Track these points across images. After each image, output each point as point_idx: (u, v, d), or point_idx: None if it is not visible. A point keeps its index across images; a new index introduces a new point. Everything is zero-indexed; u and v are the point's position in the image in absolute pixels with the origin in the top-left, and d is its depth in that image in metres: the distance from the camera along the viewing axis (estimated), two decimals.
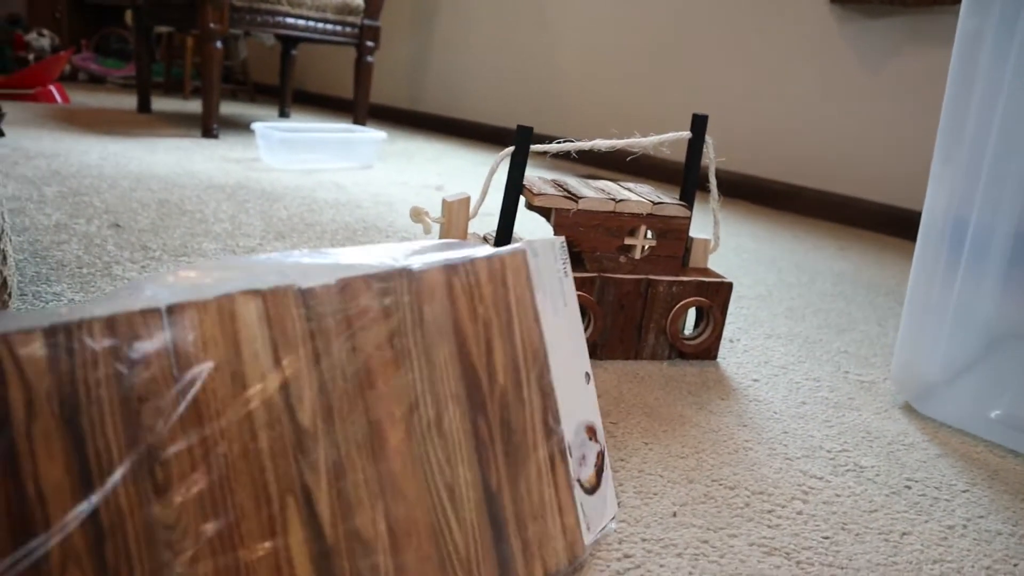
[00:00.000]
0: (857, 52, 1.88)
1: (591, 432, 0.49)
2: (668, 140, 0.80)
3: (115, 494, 0.29)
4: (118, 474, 0.29)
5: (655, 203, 0.78)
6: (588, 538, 0.47)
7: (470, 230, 0.79)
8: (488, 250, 0.43)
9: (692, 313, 0.95)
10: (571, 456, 0.47)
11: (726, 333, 0.94)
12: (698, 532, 0.52)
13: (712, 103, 2.17)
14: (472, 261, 0.42)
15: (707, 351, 0.83)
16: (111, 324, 0.30)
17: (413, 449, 0.38)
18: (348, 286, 0.37)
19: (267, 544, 0.33)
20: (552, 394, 0.45)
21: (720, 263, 1.31)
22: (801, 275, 1.30)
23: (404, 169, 1.95)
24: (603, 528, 0.48)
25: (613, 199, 0.77)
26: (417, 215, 0.74)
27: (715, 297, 0.81)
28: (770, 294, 1.15)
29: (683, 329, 0.83)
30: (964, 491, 0.63)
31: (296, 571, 0.33)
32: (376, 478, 0.37)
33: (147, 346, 0.30)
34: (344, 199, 1.47)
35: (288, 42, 2.90)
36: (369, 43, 2.45)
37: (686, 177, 0.82)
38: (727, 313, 0.82)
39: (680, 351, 0.82)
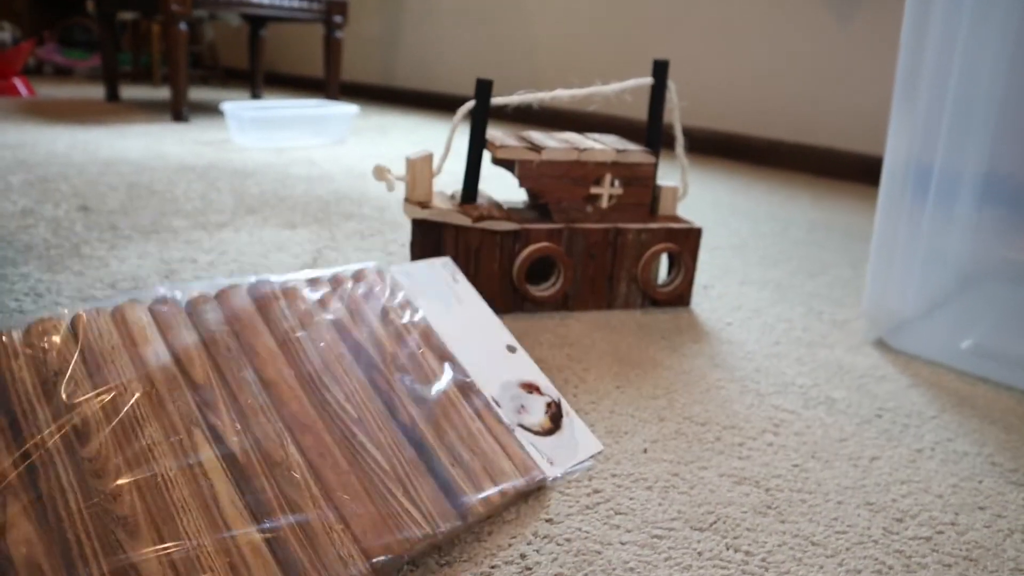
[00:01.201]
0: (824, 1, 1.87)
1: (529, 388, 0.56)
2: (630, 87, 0.79)
3: (43, 442, 0.35)
4: (45, 431, 0.36)
5: (619, 151, 0.78)
6: (554, 471, 0.48)
7: (436, 188, 0.78)
8: (351, 270, 0.56)
9: (664, 261, 0.95)
10: (499, 406, 0.53)
11: (700, 280, 0.94)
12: (668, 466, 0.52)
13: (680, 58, 2.16)
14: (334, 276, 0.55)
15: (679, 297, 0.83)
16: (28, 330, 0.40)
17: (309, 396, 0.45)
18: (224, 295, 0.48)
19: (182, 461, 0.37)
20: (455, 361, 0.54)
21: (695, 215, 1.31)
22: (775, 224, 1.30)
23: (378, 143, 1.94)
24: (580, 463, 0.50)
25: (577, 148, 0.76)
26: (380, 174, 0.73)
27: (684, 243, 0.81)
28: (744, 244, 1.15)
29: (655, 277, 0.83)
30: (933, 417, 0.63)
31: (215, 483, 0.37)
32: (278, 418, 0.42)
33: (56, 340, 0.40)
34: (317, 174, 1.46)
35: (255, 22, 2.86)
36: (337, 18, 2.43)
37: (650, 123, 0.81)
38: (698, 259, 0.82)
39: (652, 298, 0.82)
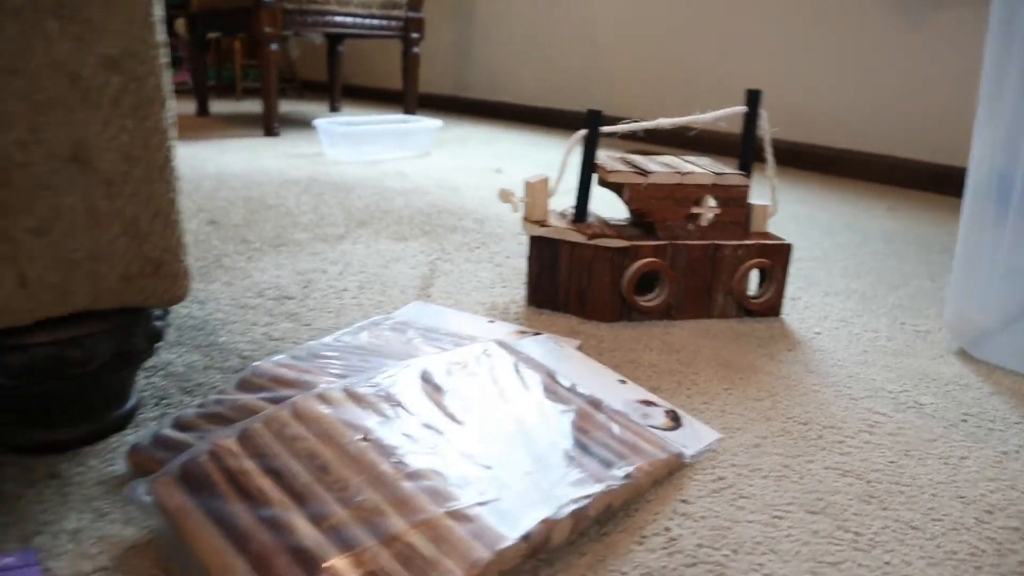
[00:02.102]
0: (896, 9, 1.91)
1: (646, 403, 0.66)
2: (725, 116, 0.87)
3: None
4: None
5: (717, 174, 0.85)
6: (691, 451, 0.59)
7: (550, 207, 0.87)
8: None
9: (755, 275, 1.01)
10: (630, 415, 0.62)
11: (787, 292, 1.01)
12: (779, 459, 0.60)
13: (751, 70, 2.21)
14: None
15: (771, 308, 0.90)
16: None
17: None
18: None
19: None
20: (579, 391, 0.62)
21: (776, 229, 1.37)
22: (853, 236, 1.35)
23: (459, 154, 2.04)
24: (707, 447, 0.60)
25: (679, 172, 0.84)
26: (506, 197, 0.82)
27: (777, 257, 0.88)
28: (825, 256, 1.21)
29: (747, 289, 0.90)
30: (1017, 423, 0.69)
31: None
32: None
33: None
34: (411, 186, 1.56)
35: (334, 39, 2.99)
36: (414, 34, 2.54)
37: (744, 148, 0.88)
38: (788, 272, 0.89)
39: (747, 309, 0.89)
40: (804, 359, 0.79)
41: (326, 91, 3.84)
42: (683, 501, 0.54)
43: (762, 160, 0.91)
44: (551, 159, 1.97)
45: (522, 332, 0.76)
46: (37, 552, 0.45)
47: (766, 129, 0.89)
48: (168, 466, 0.49)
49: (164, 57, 0.51)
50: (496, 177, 1.72)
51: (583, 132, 0.84)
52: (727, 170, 0.87)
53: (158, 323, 0.59)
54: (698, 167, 0.87)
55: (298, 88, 3.68)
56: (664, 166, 0.86)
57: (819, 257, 1.19)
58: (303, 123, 2.59)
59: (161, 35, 0.51)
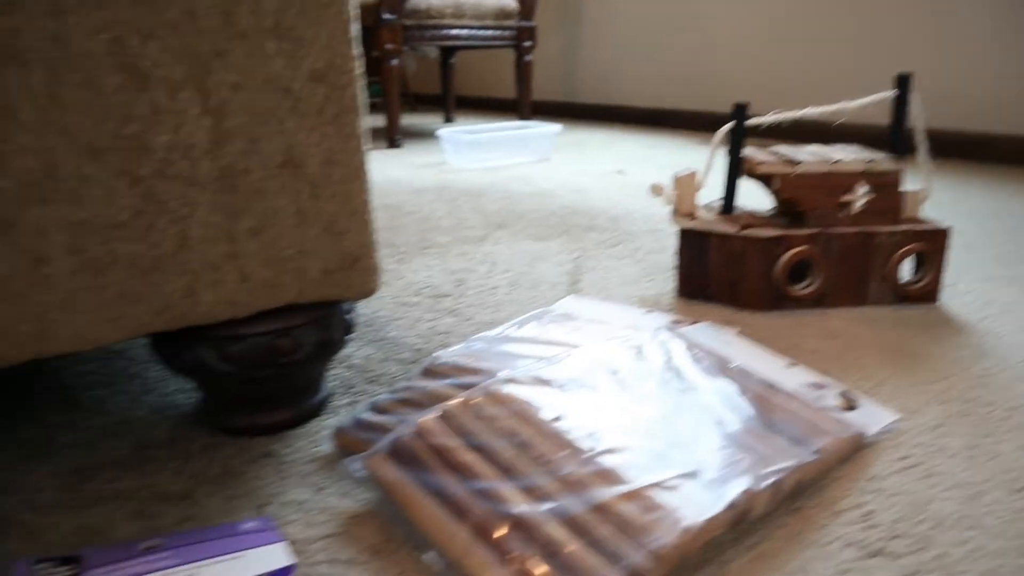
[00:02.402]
0: None
1: (819, 385, 0.65)
2: (875, 101, 0.86)
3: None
4: None
5: (868, 161, 0.84)
6: (873, 430, 0.59)
7: (699, 201, 0.88)
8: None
9: (909, 263, 0.99)
10: (804, 397, 0.62)
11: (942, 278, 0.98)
12: (965, 439, 0.59)
13: (876, 56, 2.14)
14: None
15: (929, 294, 0.88)
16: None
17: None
18: None
19: None
20: (752, 373, 0.63)
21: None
22: (1004, 222, 1.30)
23: (579, 159, 2.06)
24: (886, 427, 0.60)
25: (829, 160, 0.83)
26: (657, 191, 0.84)
27: (934, 242, 0.85)
28: (976, 242, 1.16)
29: (902, 276, 0.88)
30: None
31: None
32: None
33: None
34: (538, 190, 1.60)
35: (447, 51, 3.08)
36: (527, 43, 2.58)
37: (893, 133, 0.87)
38: (945, 257, 0.86)
39: (903, 296, 0.87)
40: (974, 343, 0.77)
41: (437, 103, 3.94)
42: (872, 478, 0.54)
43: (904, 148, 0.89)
44: (671, 160, 1.97)
45: (679, 322, 0.77)
46: (271, 519, 0.50)
47: (918, 113, 0.87)
48: (378, 445, 0.53)
49: (359, 69, 0.55)
50: (620, 179, 1.73)
51: (729, 126, 0.84)
52: (878, 156, 0.86)
53: (349, 316, 0.63)
54: (847, 155, 0.86)
55: (411, 102, 3.80)
56: (813, 155, 0.86)
57: (969, 244, 1.15)
58: (421, 135, 2.67)
59: (357, 49, 0.55)
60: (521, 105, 2.65)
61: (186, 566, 0.44)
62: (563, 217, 1.33)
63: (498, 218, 1.34)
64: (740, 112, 0.84)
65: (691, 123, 2.76)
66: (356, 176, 0.57)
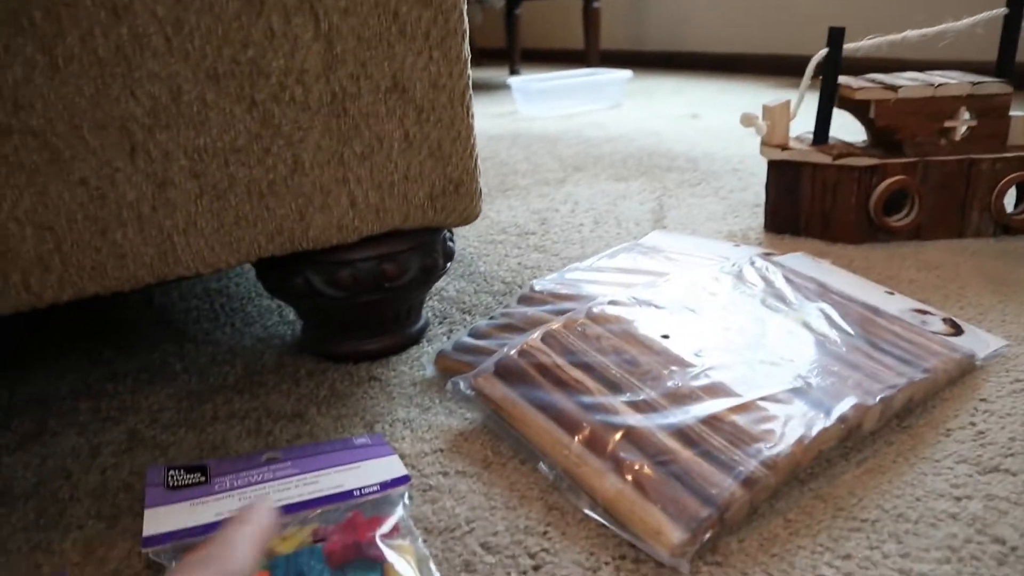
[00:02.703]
0: None
1: (921, 311, 0.64)
2: (983, 19, 0.82)
3: None
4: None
5: (974, 83, 0.81)
6: (982, 354, 0.58)
7: (792, 133, 0.86)
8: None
9: (1011, 195, 0.96)
10: (910, 321, 0.61)
11: None
12: None
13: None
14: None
15: None
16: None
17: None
18: None
19: None
20: (853, 297, 0.63)
21: None
22: None
23: (649, 105, 2.03)
24: (995, 351, 0.58)
25: (931, 84, 0.80)
26: (748, 121, 0.82)
27: None
28: None
29: (1006, 206, 0.85)
30: None
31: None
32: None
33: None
34: (613, 135, 1.58)
35: (512, 2, 3.04)
36: None
37: (1002, 53, 0.83)
38: None
39: (1006, 226, 0.84)
40: None
41: (501, 56, 3.91)
42: (983, 400, 0.53)
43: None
44: (746, 104, 1.92)
45: (770, 254, 0.76)
46: (382, 436, 0.52)
47: None
48: (482, 365, 0.54)
49: None
50: (695, 123, 1.70)
51: (824, 52, 0.82)
52: (985, 79, 0.82)
53: (450, 243, 0.65)
54: (951, 79, 0.83)
55: (477, 56, 3.78)
56: (913, 80, 0.83)
57: None
58: (489, 87, 2.66)
59: None
60: (589, 54, 2.62)
61: (305, 475, 0.46)
62: (641, 159, 1.32)
63: (575, 161, 1.33)
64: (837, 36, 0.81)
65: (765, 67, 2.68)
66: (461, 101, 0.57)
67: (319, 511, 0.43)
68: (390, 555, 0.38)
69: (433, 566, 0.39)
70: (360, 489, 0.45)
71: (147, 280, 0.52)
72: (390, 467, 0.48)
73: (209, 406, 0.58)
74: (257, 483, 0.46)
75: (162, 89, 0.47)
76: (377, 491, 0.45)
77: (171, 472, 0.47)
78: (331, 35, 0.51)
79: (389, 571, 0.37)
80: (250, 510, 0.32)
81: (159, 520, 0.42)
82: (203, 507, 0.43)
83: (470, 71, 0.57)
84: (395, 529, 0.41)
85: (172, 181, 0.50)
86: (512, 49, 3.11)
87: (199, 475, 0.47)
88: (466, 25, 0.56)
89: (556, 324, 0.55)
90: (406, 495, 0.45)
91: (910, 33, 0.82)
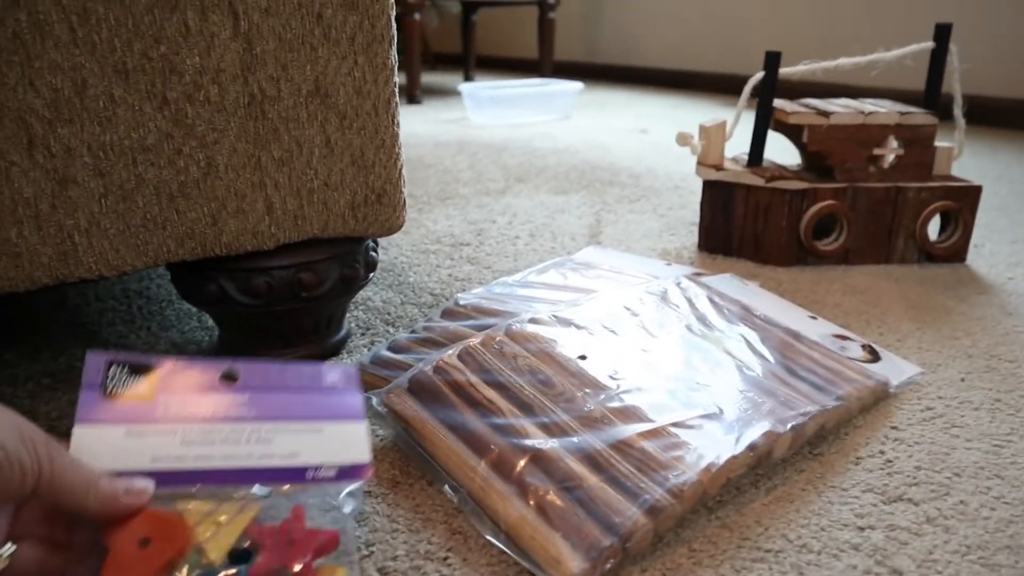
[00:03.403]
0: None
1: (841, 337, 0.65)
2: (912, 52, 0.84)
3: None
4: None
5: (902, 113, 0.82)
6: (896, 381, 0.58)
7: (729, 153, 0.87)
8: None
9: (935, 223, 0.98)
10: (829, 346, 0.61)
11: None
12: (989, 393, 0.58)
13: (912, 22, 2.09)
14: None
15: (955, 253, 0.86)
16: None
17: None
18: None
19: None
20: (776, 322, 0.64)
21: None
22: None
23: (600, 117, 2.04)
24: (909, 379, 0.59)
25: (862, 112, 0.82)
26: (684, 140, 0.82)
27: (964, 200, 0.84)
28: (1006, 205, 1.14)
29: (930, 234, 0.87)
30: None
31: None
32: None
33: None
34: (560, 146, 1.58)
35: (468, 8, 3.03)
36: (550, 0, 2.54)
37: (929, 85, 0.85)
38: (975, 216, 0.85)
39: (929, 254, 0.86)
40: (999, 302, 0.76)
41: (457, 62, 3.90)
42: (894, 428, 0.53)
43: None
44: (694, 120, 1.94)
45: (700, 274, 0.76)
46: (353, 368, 0.47)
47: (956, 66, 0.85)
48: (396, 380, 0.53)
49: None
50: (642, 137, 1.71)
51: (760, 75, 0.83)
52: (913, 109, 0.84)
53: (373, 254, 0.63)
54: (881, 107, 0.84)
55: (431, 60, 3.76)
56: (844, 107, 0.84)
57: (998, 206, 1.13)
58: (441, 92, 2.65)
59: None
60: (543, 64, 2.62)
61: (261, 423, 0.39)
62: (584, 172, 1.32)
63: (519, 172, 1.33)
64: (772, 60, 0.82)
65: (714, 85, 2.72)
66: (386, 108, 0.56)
67: (265, 493, 0.38)
68: None
69: None
70: (315, 469, 0.39)
71: (44, 281, 0.49)
72: (352, 442, 0.40)
73: None
74: (205, 419, 0.38)
75: (65, 81, 0.45)
76: (332, 477, 0.39)
77: (113, 370, 0.38)
78: (251, 35, 0.49)
79: None
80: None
81: (88, 450, 0.36)
82: (138, 443, 0.37)
83: (396, 79, 0.56)
84: (334, 544, 0.37)
85: (74, 178, 0.47)
86: (467, 55, 3.10)
87: (143, 383, 0.39)
88: (394, 31, 0.55)
89: (474, 341, 0.54)
90: (361, 493, 0.41)
91: (843, 61, 0.83)
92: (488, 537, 0.42)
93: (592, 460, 0.44)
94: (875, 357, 0.61)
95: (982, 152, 1.60)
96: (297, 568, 0.35)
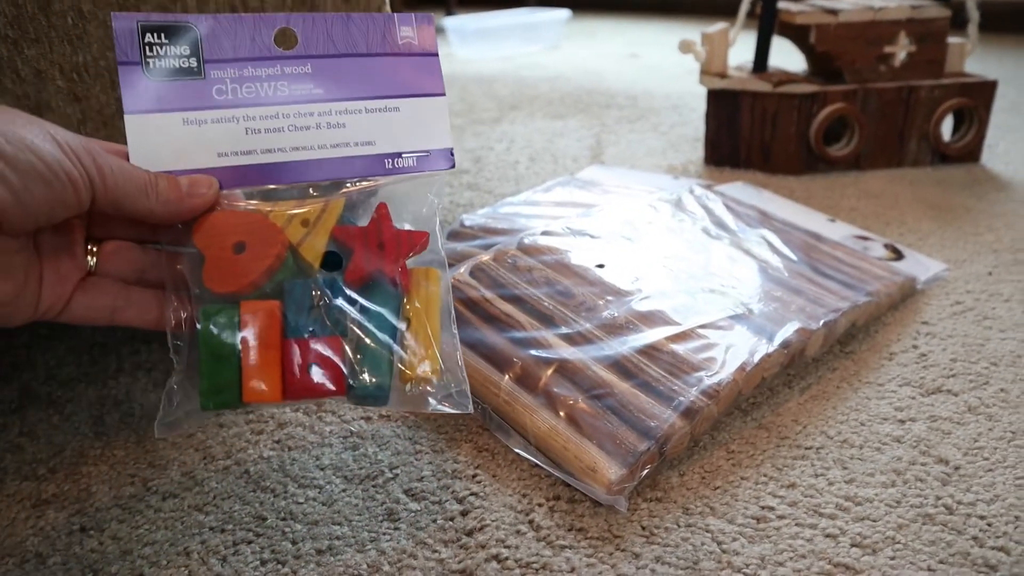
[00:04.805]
0: None
1: (863, 238, 0.63)
2: None
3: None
4: None
5: (914, 7, 0.79)
6: (923, 278, 0.56)
7: (731, 63, 0.83)
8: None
9: (948, 123, 0.95)
10: (850, 246, 0.59)
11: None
12: (1019, 285, 0.56)
13: None
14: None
15: (970, 153, 0.84)
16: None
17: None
18: None
19: None
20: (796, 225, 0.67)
21: None
22: None
23: (590, 45, 1.98)
24: (935, 275, 0.57)
25: (872, 8, 0.78)
26: (687, 47, 0.79)
27: (979, 97, 0.81)
28: (1016, 107, 1.11)
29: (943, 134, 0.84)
30: None
31: None
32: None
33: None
34: (552, 74, 1.54)
35: None
36: None
37: None
38: (990, 113, 0.82)
39: (943, 154, 0.83)
40: (1020, 197, 0.74)
41: (438, 1, 3.80)
42: (924, 323, 0.51)
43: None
44: None
45: (710, 186, 0.74)
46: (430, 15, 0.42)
47: None
48: None
49: None
50: (635, 61, 1.66)
51: None
52: (924, 2, 0.80)
53: None
54: (890, 2, 0.81)
55: (411, 2, 3.66)
56: (853, 4, 0.81)
57: (1008, 108, 1.10)
58: None
59: None
60: None
61: (329, 104, 0.34)
62: (579, 98, 1.28)
63: (512, 100, 1.29)
64: None
65: (704, 8, 2.64)
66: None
67: (341, 189, 0.34)
68: (416, 282, 0.33)
69: (454, 330, 0.34)
70: (393, 157, 0.34)
71: None
72: (434, 121, 0.35)
73: (113, 358, 0.53)
74: (267, 103, 0.33)
75: None
76: (412, 166, 0.35)
77: (149, 39, 0.32)
78: None
79: (409, 315, 0.33)
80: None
81: (147, 145, 0.32)
82: (198, 133, 0.33)
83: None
84: (424, 244, 0.34)
85: (48, 104, 0.44)
86: None
87: (187, 53, 0.33)
88: None
89: (485, 256, 0.52)
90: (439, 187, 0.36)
91: None
92: (518, 451, 0.40)
93: (621, 366, 0.42)
94: (899, 256, 0.59)
95: (988, 56, 1.56)
96: (392, 272, 0.33)
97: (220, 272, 0.32)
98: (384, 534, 0.35)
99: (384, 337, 0.32)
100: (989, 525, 0.34)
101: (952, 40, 0.83)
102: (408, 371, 0.32)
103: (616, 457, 0.37)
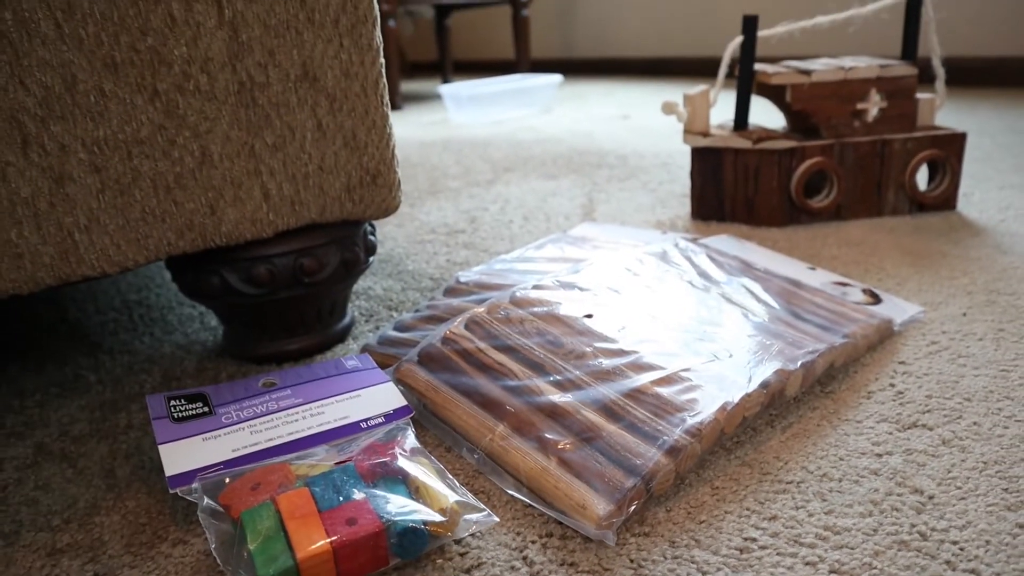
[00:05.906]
0: None
1: (842, 284, 0.65)
2: (887, 6, 0.84)
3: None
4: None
5: (882, 66, 0.83)
6: (899, 320, 0.58)
7: (712, 123, 0.87)
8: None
9: (924, 173, 0.98)
10: (829, 292, 0.62)
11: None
12: (992, 324, 0.59)
13: None
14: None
15: (946, 201, 0.87)
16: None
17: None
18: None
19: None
20: (776, 273, 0.68)
21: None
22: (1015, 136, 1.28)
23: (581, 108, 2.05)
24: (911, 317, 0.59)
25: (843, 67, 0.82)
26: (670, 108, 0.83)
27: (950, 148, 0.85)
28: (989, 156, 1.15)
29: (919, 184, 0.87)
30: None
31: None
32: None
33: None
34: (544, 137, 1.59)
35: (442, 12, 3.05)
36: None
37: (906, 36, 0.86)
38: (962, 163, 0.85)
39: (920, 203, 0.87)
40: (993, 242, 0.77)
41: (434, 69, 3.91)
42: (901, 362, 0.54)
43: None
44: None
45: (696, 239, 0.77)
46: (368, 357, 0.50)
47: (931, 16, 0.86)
48: (406, 356, 0.53)
49: None
50: (625, 123, 1.72)
51: (739, 39, 0.83)
52: (892, 61, 0.85)
53: (372, 238, 0.64)
54: (860, 62, 0.85)
55: (407, 69, 3.77)
56: (824, 65, 0.85)
57: (982, 157, 1.14)
58: (420, 98, 2.65)
59: None
60: (520, 62, 2.63)
61: (309, 405, 0.48)
62: (571, 158, 1.33)
63: (506, 163, 1.33)
64: (751, 24, 0.83)
65: (692, 69, 2.73)
66: (374, 89, 0.56)
67: (333, 444, 0.44)
68: (412, 468, 0.40)
69: (451, 477, 0.41)
70: (366, 420, 0.46)
71: (48, 282, 0.49)
72: (388, 397, 0.49)
73: (124, 415, 0.56)
74: (263, 415, 0.46)
75: (54, 78, 0.45)
76: (382, 423, 0.46)
77: (172, 403, 0.47)
78: (236, 22, 0.50)
79: (414, 482, 0.40)
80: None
81: (177, 457, 0.42)
82: (216, 443, 0.44)
83: (382, 59, 0.56)
84: (409, 451, 0.43)
85: (70, 175, 0.48)
86: (444, 60, 3.11)
87: (201, 405, 0.47)
88: (376, 12, 0.55)
89: (479, 309, 0.54)
90: (410, 425, 0.47)
91: (821, 19, 0.84)
92: (510, 492, 0.42)
93: (608, 410, 0.44)
94: (876, 300, 0.62)
95: (961, 109, 1.61)
96: (391, 457, 0.41)
97: (236, 506, 0.39)
98: (386, 574, 0.37)
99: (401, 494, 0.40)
100: (961, 550, 0.36)
101: (922, 96, 0.88)
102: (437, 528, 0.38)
103: (604, 494, 0.39)
